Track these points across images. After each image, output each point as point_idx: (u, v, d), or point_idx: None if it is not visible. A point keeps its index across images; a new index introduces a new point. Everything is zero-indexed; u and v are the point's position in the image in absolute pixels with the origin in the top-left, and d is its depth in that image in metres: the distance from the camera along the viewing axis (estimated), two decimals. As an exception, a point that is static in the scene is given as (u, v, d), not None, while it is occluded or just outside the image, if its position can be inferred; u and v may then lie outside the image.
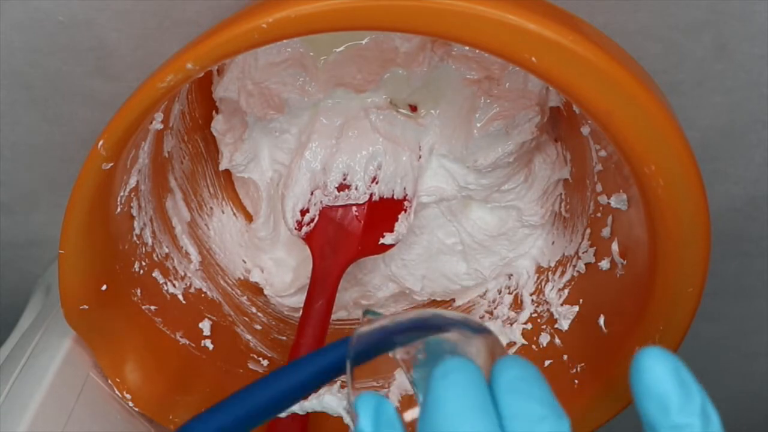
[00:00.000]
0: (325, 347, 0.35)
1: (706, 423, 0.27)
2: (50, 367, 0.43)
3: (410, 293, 0.51)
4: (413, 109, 0.47)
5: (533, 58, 0.33)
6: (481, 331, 0.33)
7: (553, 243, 0.49)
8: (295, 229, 0.47)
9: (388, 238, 0.48)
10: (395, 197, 0.48)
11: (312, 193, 0.47)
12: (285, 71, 0.45)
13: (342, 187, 0.47)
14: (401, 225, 0.48)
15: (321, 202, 0.47)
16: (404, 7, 0.33)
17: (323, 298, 0.47)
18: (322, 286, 0.47)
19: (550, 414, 0.28)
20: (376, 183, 0.47)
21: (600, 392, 0.43)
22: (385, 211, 0.48)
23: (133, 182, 0.42)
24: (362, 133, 0.47)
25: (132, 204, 0.43)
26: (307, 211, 0.48)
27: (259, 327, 0.51)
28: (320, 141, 0.47)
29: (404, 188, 0.47)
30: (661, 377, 0.27)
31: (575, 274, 0.46)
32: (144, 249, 0.45)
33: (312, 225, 0.48)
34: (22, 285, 0.57)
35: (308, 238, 0.48)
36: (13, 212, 0.55)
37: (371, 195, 0.47)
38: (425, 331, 0.32)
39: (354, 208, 0.48)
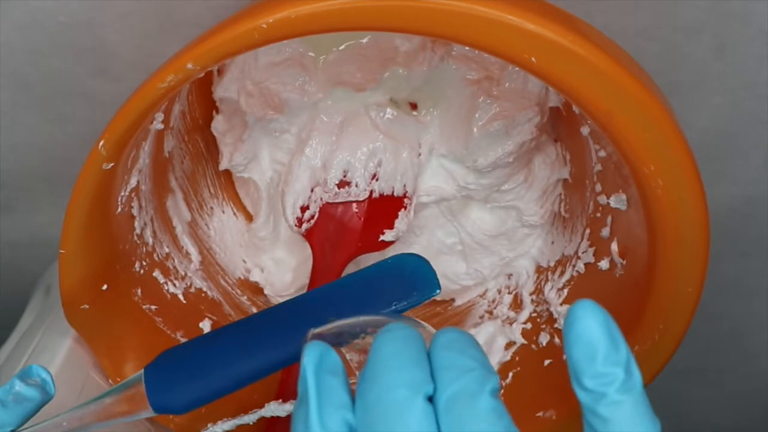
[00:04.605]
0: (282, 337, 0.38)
1: (628, 376, 0.28)
2: (51, 366, 0.43)
3: (410, 293, 0.51)
4: (413, 106, 0.47)
5: (533, 59, 0.33)
6: (421, 326, 0.36)
7: (552, 243, 0.49)
8: (295, 225, 0.48)
9: (388, 235, 0.48)
10: (395, 194, 0.48)
11: (312, 190, 0.47)
12: (285, 71, 0.45)
13: (342, 183, 0.47)
14: (401, 222, 0.48)
15: (321, 198, 0.48)
16: (404, 8, 0.33)
17: (323, 296, 0.47)
18: (322, 283, 0.47)
19: (479, 368, 0.29)
20: (376, 180, 0.47)
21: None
22: (385, 208, 0.48)
23: (133, 182, 0.42)
24: (362, 131, 0.47)
25: (132, 204, 0.43)
26: (308, 207, 0.48)
27: (259, 326, 0.51)
28: (320, 138, 0.47)
29: (404, 185, 0.47)
30: (592, 327, 0.28)
31: (575, 273, 0.46)
32: (144, 249, 0.45)
33: (312, 222, 0.48)
34: (23, 285, 0.57)
35: (308, 235, 0.48)
36: (14, 212, 0.55)
37: (371, 192, 0.47)
38: (375, 327, 0.35)
39: (354, 205, 0.48)
